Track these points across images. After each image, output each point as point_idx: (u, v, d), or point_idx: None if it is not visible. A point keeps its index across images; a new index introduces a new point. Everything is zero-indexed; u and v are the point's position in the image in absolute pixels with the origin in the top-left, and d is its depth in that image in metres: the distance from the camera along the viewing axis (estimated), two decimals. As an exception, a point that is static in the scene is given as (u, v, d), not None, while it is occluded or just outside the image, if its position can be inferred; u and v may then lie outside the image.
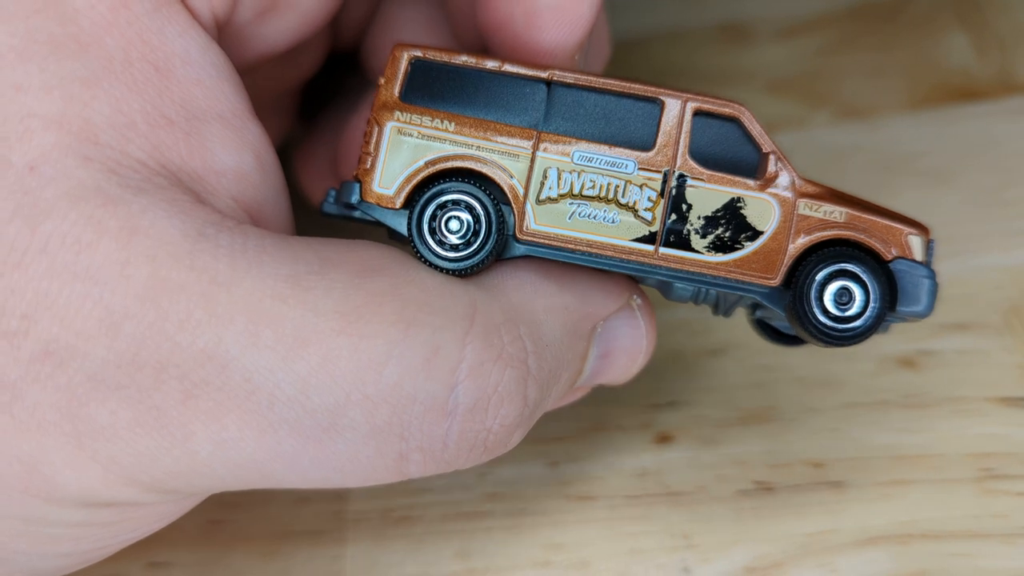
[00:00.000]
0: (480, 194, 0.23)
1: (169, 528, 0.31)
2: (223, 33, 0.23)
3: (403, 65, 0.23)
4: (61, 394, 0.18)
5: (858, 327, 0.23)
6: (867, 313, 0.23)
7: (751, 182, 0.23)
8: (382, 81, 0.23)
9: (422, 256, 0.22)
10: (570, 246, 0.23)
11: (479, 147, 0.23)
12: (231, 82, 0.22)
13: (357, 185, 0.23)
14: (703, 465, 0.29)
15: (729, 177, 0.23)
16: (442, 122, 0.23)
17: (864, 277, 0.23)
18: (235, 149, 0.21)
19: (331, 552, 0.29)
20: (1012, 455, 0.28)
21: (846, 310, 0.23)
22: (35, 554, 0.21)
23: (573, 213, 0.23)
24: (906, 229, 0.23)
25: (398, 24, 0.29)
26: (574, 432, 0.31)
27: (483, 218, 0.23)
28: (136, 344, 0.18)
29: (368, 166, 0.23)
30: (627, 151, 0.23)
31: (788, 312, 0.23)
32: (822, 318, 0.23)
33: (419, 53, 0.23)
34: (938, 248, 0.33)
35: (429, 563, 0.29)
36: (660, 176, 0.23)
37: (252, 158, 0.21)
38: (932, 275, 0.24)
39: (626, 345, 0.24)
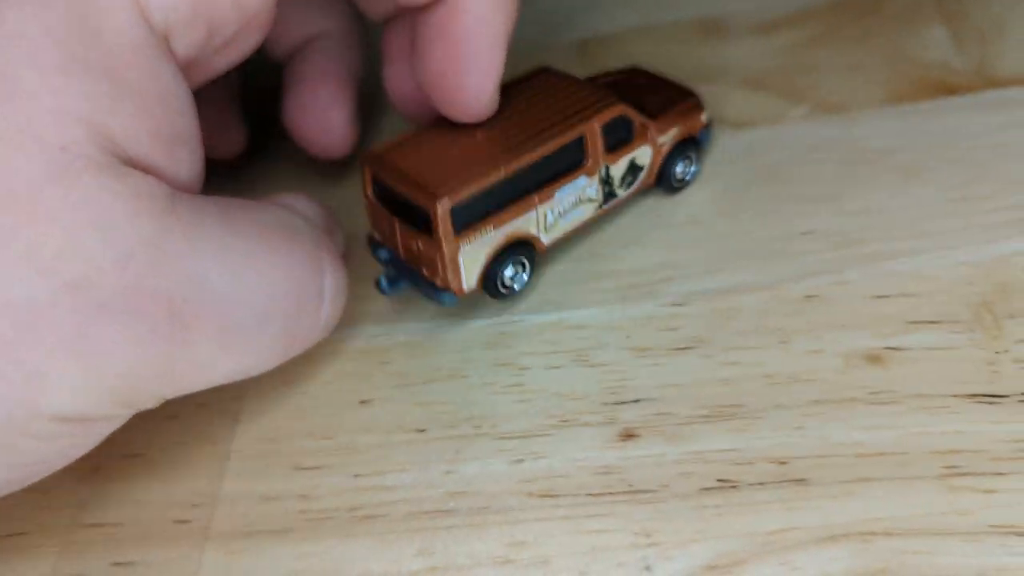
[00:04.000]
0: (520, 251, 0.33)
1: (134, 527, 0.31)
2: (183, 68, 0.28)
3: (446, 216, 0.30)
4: (76, 317, 0.24)
5: (691, 178, 0.37)
6: (693, 168, 0.37)
7: (636, 144, 0.35)
8: (438, 236, 0.31)
9: (503, 296, 0.34)
10: (563, 235, 0.34)
11: (512, 228, 0.32)
12: (193, 113, 0.28)
13: (447, 293, 0.32)
14: (667, 462, 0.29)
15: (625, 148, 0.35)
16: (486, 228, 0.32)
17: (693, 154, 0.37)
18: (190, 167, 0.27)
19: (297, 550, 0.29)
20: (978, 452, 0.28)
21: (686, 175, 0.37)
22: None
23: (566, 221, 0.34)
24: (696, 113, 0.37)
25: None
26: (539, 429, 0.31)
27: (527, 260, 0.34)
28: (138, 276, 0.24)
29: (451, 279, 0.32)
30: (577, 173, 0.33)
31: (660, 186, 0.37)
32: (680, 183, 0.37)
33: (453, 203, 0.30)
34: (910, 244, 0.33)
35: (393, 561, 0.29)
36: (598, 176, 0.34)
37: (198, 175, 0.28)
38: (710, 128, 0.38)
39: None
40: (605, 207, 0.35)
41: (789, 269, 0.34)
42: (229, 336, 0.26)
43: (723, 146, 0.39)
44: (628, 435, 0.30)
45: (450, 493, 0.30)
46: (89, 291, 0.24)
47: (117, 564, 0.30)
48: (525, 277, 0.34)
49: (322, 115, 0.38)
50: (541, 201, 0.33)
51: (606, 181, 0.34)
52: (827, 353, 0.31)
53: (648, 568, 0.27)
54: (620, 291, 0.34)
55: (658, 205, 0.37)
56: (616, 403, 0.31)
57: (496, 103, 0.33)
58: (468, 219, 0.31)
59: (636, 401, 0.31)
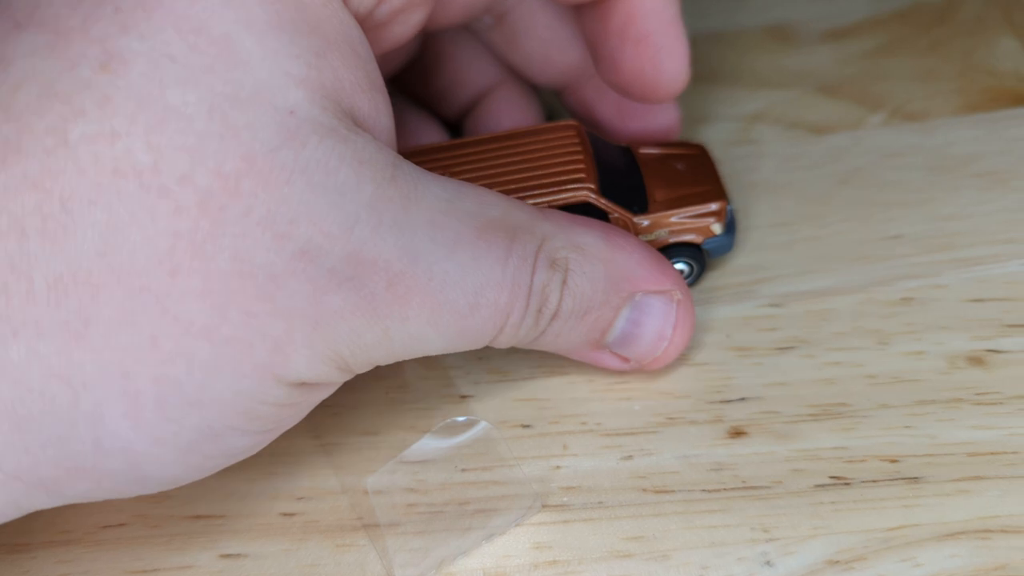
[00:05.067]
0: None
1: (241, 520, 0.31)
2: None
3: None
4: (310, 284, 0.24)
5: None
6: (692, 279, 0.35)
7: None
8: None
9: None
10: None
11: None
12: (376, 64, 0.27)
13: None
14: (777, 460, 0.30)
15: None
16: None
17: (692, 262, 0.35)
18: (388, 115, 0.27)
19: (408, 544, 0.29)
20: (1086, 452, 0.28)
21: None
22: (241, 430, 0.25)
23: None
24: (708, 220, 0.34)
25: (449, 53, 0.38)
26: (645, 426, 0.31)
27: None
28: (361, 243, 0.24)
29: None
30: None
31: None
32: None
33: None
34: (1002, 249, 0.33)
35: (507, 555, 0.29)
36: None
37: (391, 123, 0.28)
38: (729, 240, 0.34)
39: (656, 322, 0.30)
40: None
41: (881, 272, 0.34)
42: (440, 316, 0.26)
43: (804, 150, 0.39)
44: (737, 432, 0.31)
45: (562, 488, 0.30)
46: (319, 257, 0.24)
47: (225, 556, 0.30)
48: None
49: None
50: None
51: None
52: (928, 354, 0.32)
53: (769, 563, 0.27)
54: (715, 292, 0.35)
55: (745, 207, 0.37)
56: (722, 401, 0.31)
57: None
58: None
59: (742, 400, 0.31)
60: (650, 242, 0.33)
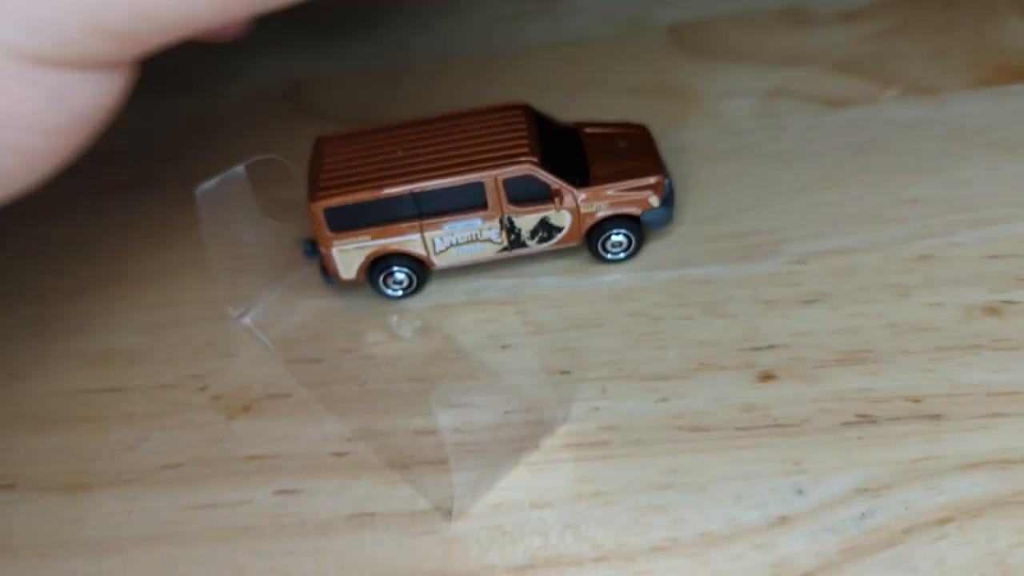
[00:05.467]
0: (406, 263, 0.37)
1: (295, 460, 0.32)
2: None
3: (319, 215, 0.35)
4: None
5: (625, 256, 0.37)
6: (631, 250, 0.37)
7: (550, 205, 0.36)
8: (314, 228, 0.36)
9: (383, 294, 0.38)
10: (462, 264, 0.37)
11: (391, 242, 0.36)
12: None
13: (330, 276, 0.37)
14: (806, 400, 0.31)
15: (536, 206, 0.36)
16: (363, 236, 0.36)
17: (630, 234, 0.37)
18: None
19: (455, 479, 0.31)
20: (1098, 392, 0.30)
21: (618, 252, 0.37)
22: None
23: (461, 251, 0.37)
24: (645, 194, 0.36)
25: None
26: (678, 372, 0.33)
27: (412, 272, 0.37)
28: None
29: (328, 266, 0.37)
30: (474, 214, 0.36)
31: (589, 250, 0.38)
32: (606, 256, 0.37)
33: (327, 206, 0.35)
34: (1017, 211, 0.35)
35: (552, 488, 0.30)
36: (498, 220, 0.36)
37: None
38: (667, 212, 0.37)
39: None
40: (512, 252, 0.37)
41: (900, 232, 0.36)
42: None
43: (822, 123, 0.41)
44: (766, 376, 0.32)
45: (602, 427, 0.32)
46: None
47: (281, 492, 0.31)
48: (400, 291, 0.37)
49: None
50: (427, 228, 0.36)
51: (511, 230, 0.36)
52: (947, 306, 0.33)
53: (801, 492, 0.29)
54: (741, 250, 0.36)
55: (767, 174, 0.39)
56: (751, 349, 0.33)
57: None
58: (345, 223, 0.36)
59: (770, 347, 0.33)
60: (590, 213, 0.36)
